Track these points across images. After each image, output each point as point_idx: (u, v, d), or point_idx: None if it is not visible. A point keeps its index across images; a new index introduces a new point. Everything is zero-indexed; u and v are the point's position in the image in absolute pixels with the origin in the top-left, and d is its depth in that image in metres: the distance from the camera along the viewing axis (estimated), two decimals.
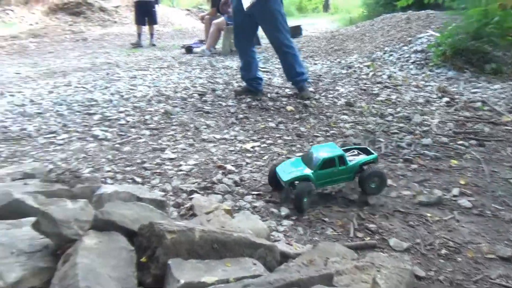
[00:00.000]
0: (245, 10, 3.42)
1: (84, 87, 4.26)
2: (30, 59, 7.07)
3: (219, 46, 7.06)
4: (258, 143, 2.60)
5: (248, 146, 2.56)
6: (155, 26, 9.09)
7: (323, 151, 1.87)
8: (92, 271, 0.91)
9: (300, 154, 2.34)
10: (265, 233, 1.42)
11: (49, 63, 6.48)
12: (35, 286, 1.06)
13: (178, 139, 2.71)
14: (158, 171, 2.20)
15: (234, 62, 5.64)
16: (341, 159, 1.83)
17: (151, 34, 8.92)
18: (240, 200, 1.85)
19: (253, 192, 1.93)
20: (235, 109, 3.36)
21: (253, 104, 3.50)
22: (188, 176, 2.14)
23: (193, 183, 2.03)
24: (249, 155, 2.42)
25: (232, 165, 2.24)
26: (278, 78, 4.44)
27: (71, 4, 13.57)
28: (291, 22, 15.83)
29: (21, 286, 1.03)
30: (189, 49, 7.18)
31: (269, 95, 3.77)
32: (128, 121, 3.07)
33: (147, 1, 8.51)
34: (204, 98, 3.71)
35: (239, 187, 1.99)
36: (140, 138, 2.73)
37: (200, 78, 4.63)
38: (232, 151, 2.49)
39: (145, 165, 2.27)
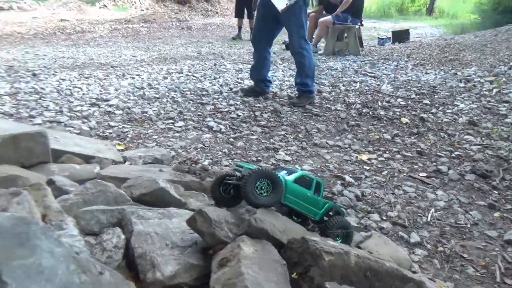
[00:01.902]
0: (280, 12, 3.28)
1: (194, 76, 4.43)
2: (143, 43, 7.59)
3: (320, 45, 6.93)
4: (374, 156, 2.46)
5: (364, 157, 2.43)
6: (253, 20, 9.19)
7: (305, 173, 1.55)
8: (259, 285, 0.89)
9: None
10: (407, 264, 1.31)
11: (159, 48, 6.89)
12: (186, 282, 1.08)
13: (290, 141, 2.67)
14: None
15: (338, 63, 5.48)
16: (318, 186, 1.49)
17: (251, 28, 9.04)
18: (365, 218, 1.75)
19: (378, 211, 1.81)
20: (345, 115, 3.24)
21: (363, 111, 3.34)
22: None
23: None
24: (366, 167, 2.30)
25: (351, 177, 2.14)
26: (387, 86, 4.20)
27: None
28: (391, 24, 15.01)
29: (174, 281, 1.05)
30: (289, 46, 7.14)
31: (379, 103, 3.58)
32: (239, 115, 3.11)
33: None
34: None
35: (361, 203, 1.88)
36: (253, 134, 2.75)
37: None
38: (347, 160, 2.39)
39: (261, 164, 2.26)
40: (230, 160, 2.29)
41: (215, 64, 5.17)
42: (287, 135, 2.76)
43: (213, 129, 2.81)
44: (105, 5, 19.81)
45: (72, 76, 4.25)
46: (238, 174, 1.38)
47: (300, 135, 2.77)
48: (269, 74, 3.77)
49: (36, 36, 8.33)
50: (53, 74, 4.37)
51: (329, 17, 6.50)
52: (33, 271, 0.70)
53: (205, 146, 2.50)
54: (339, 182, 2.09)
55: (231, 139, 2.63)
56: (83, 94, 3.58)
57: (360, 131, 2.92)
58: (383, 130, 2.93)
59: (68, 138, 2.04)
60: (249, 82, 4.11)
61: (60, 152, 1.80)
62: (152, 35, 9.07)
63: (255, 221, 1.10)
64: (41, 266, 0.72)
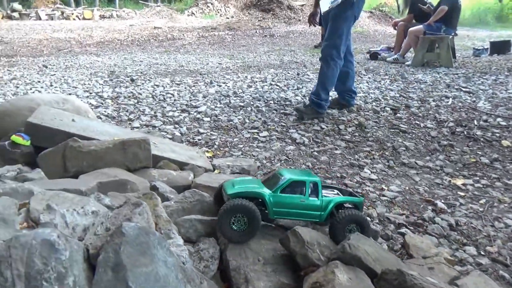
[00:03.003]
0: (322, 14, 3.16)
1: (278, 85, 4.50)
2: (228, 51, 7.89)
3: (408, 55, 6.62)
4: (470, 181, 2.28)
5: (458, 182, 2.27)
6: None
7: (292, 172, 1.39)
8: None
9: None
10: None
11: (243, 56, 7.11)
12: None
13: (375, 158, 2.59)
14: (359, 190, 2.13)
15: (428, 76, 5.19)
16: (315, 187, 1.33)
17: None
18: (460, 251, 1.63)
19: (475, 244, 1.68)
20: (435, 133, 3.05)
21: (457, 130, 3.12)
22: (393, 204, 2.00)
23: (400, 215, 1.89)
24: (461, 194, 2.14)
25: (443, 203, 2.01)
26: (485, 103, 3.88)
27: (264, 1, 14.67)
28: (487, 33, 13.85)
29: None
30: (374, 56, 6.94)
31: (475, 122, 3.31)
32: (322, 128, 3.09)
33: None
34: (398, 115, 3.48)
35: (455, 233, 1.76)
36: (336, 149, 2.71)
37: (391, 90, 4.39)
38: (439, 184, 2.25)
39: (345, 181, 2.23)
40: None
41: (298, 74, 5.20)
42: (373, 152, 2.68)
43: (297, 141, 2.82)
44: (193, 13, 21.01)
45: (165, 83, 4.57)
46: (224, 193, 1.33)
47: (386, 153, 2.67)
48: (354, 85, 3.67)
49: (133, 43, 9.08)
50: (148, 80, 4.74)
51: (420, 26, 6.19)
52: (151, 278, 0.77)
53: (289, 158, 2.52)
54: (429, 207, 1.97)
55: (315, 153, 2.62)
56: (175, 100, 3.83)
57: (453, 152, 2.73)
58: (480, 153, 2.71)
59: (165, 144, 2.20)
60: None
61: (159, 158, 1.95)
62: (237, 43, 9.39)
63: (349, 247, 1.09)
64: (157, 275, 0.78)
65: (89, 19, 20.33)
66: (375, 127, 3.15)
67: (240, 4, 18.87)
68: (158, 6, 22.07)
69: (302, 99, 3.94)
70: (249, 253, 1.16)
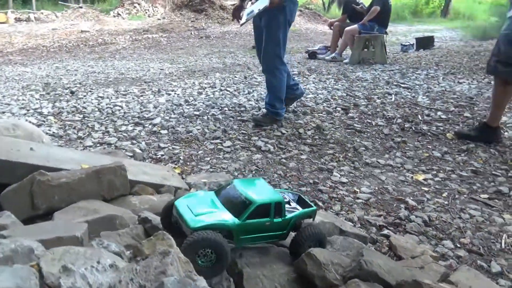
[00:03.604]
0: (243, 22, 3.18)
1: (228, 90, 4.47)
2: (166, 55, 7.67)
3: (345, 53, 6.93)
4: (429, 175, 2.46)
5: (420, 177, 2.43)
6: None
7: (254, 191, 1.29)
8: None
9: (215, 188, 1.83)
10: None
11: (184, 60, 6.95)
12: None
13: (340, 160, 2.68)
14: (334, 195, 2.19)
15: (367, 74, 5.47)
16: (278, 207, 1.26)
17: None
18: (439, 246, 1.74)
19: (449, 237, 1.81)
20: (388, 131, 3.23)
21: (405, 126, 3.33)
22: (368, 206, 2.09)
23: (378, 216, 1.98)
24: (425, 189, 2.29)
25: (412, 200, 2.14)
26: (423, 97, 4.19)
27: (196, 1, 14.45)
28: (406, 27, 14.90)
29: None
30: (313, 55, 7.17)
31: (419, 117, 3.56)
32: (283, 133, 3.13)
33: None
34: (350, 114, 3.64)
35: (430, 228, 1.88)
36: (302, 154, 2.76)
37: (338, 89, 4.57)
38: (404, 181, 2.39)
39: (319, 186, 2.27)
40: (288, 183, 2.31)
41: (245, 77, 5.21)
42: (336, 154, 2.77)
43: (262, 148, 2.83)
44: (119, 14, 20.12)
45: (109, 93, 4.32)
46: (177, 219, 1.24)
47: (349, 154, 2.78)
48: (294, 78, 3.66)
49: (61, 49, 8.48)
50: (89, 91, 4.45)
51: (355, 26, 6.50)
52: None
53: (259, 168, 2.52)
54: (402, 205, 2.09)
55: (283, 160, 2.64)
56: (125, 112, 3.64)
57: (407, 148, 2.91)
58: (430, 147, 2.92)
59: (134, 165, 2.08)
60: None
61: (133, 182, 1.83)
62: (173, 45, 9.16)
63: (365, 264, 1.11)
64: None
65: (3, 23, 18.58)
66: (332, 129, 3.26)
67: (169, 5, 18.43)
68: (80, 7, 20.80)
69: (256, 103, 3.95)
70: (265, 281, 1.14)
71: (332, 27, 7.24)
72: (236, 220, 1.21)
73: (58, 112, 3.64)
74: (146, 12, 20.64)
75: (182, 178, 2.30)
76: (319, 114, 3.65)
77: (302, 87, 3.71)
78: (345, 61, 6.56)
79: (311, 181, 2.35)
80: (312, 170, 2.52)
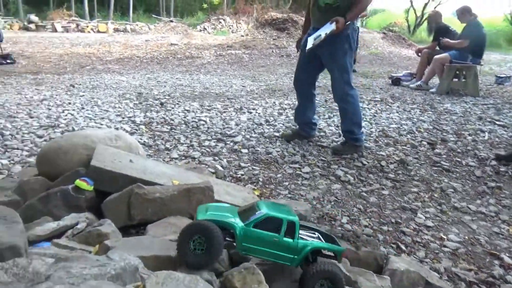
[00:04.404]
0: (306, 51, 3.11)
1: None
2: (248, 72, 7.91)
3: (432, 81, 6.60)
4: None
5: None
6: (357, 52, 9.10)
7: (271, 208, 1.28)
8: None
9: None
10: None
11: (265, 78, 7.11)
12: None
13: (425, 201, 2.53)
14: (418, 239, 2.06)
15: (457, 106, 5.15)
16: (291, 227, 1.22)
17: (354, 60, 8.93)
18: None
19: None
20: (480, 173, 2.99)
21: (501, 170, 3.06)
22: (457, 257, 1.94)
23: (468, 270, 1.82)
24: None
25: (508, 256, 1.94)
26: None
27: (279, 20, 14.78)
28: (501, 56, 13.85)
29: None
30: (397, 81, 6.93)
31: None
32: (364, 164, 3.04)
33: None
34: (437, 150, 3.43)
35: None
36: (383, 189, 2.66)
37: (423, 121, 4.35)
38: (498, 234, 2.18)
39: (402, 227, 2.16)
40: (368, 219, 2.23)
41: (325, 100, 5.18)
42: (421, 193, 2.62)
43: (341, 178, 2.77)
44: (205, 28, 21.25)
45: (195, 107, 4.55)
46: None
47: (435, 195, 2.61)
48: (315, 116, 3.58)
49: (153, 60, 9.14)
50: (177, 103, 4.73)
51: (446, 54, 6.17)
52: None
53: (338, 199, 2.47)
54: (496, 262, 1.90)
55: (363, 193, 2.56)
56: (208, 128, 3.80)
57: (503, 195, 2.66)
58: None
59: (219, 185, 2.15)
60: (365, 125, 4.03)
61: (217, 202, 1.90)
62: (255, 63, 9.43)
63: None
64: None
65: (103, 32, 20.63)
66: (417, 164, 3.10)
67: (253, 22, 19.05)
68: (171, 21, 22.35)
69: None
70: None
71: (420, 54, 6.94)
72: (241, 224, 1.23)
73: (149, 122, 3.91)
74: (230, 28, 21.59)
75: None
76: (403, 147, 3.49)
77: (315, 132, 3.60)
78: (431, 90, 6.24)
79: (393, 220, 2.25)
80: (394, 208, 2.41)
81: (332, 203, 2.41)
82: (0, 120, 3.75)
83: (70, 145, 2.05)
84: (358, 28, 3.13)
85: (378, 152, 3.30)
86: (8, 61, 7.69)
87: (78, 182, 1.70)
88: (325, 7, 3.02)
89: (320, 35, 2.98)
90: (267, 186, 2.61)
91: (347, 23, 2.93)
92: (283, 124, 4.00)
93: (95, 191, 1.78)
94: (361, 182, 2.74)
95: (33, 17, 21.24)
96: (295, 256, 1.24)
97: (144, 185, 1.73)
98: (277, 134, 3.67)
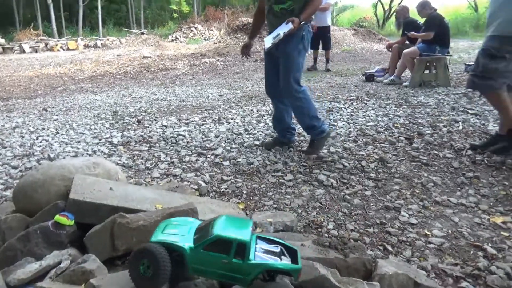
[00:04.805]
0: (265, 50, 3.20)
1: None
2: (223, 80, 7.90)
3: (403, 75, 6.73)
4: (509, 218, 2.28)
5: (497, 220, 2.26)
6: (329, 51, 9.22)
7: (227, 227, 1.27)
8: None
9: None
10: None
11: (241, 85, 7.12)
12: None
13: (408, 197, 2.57)
14: (403, 238, 2.10)
15: (430, 98, 5.27)
16: (241, 248, 1.20)
17: (327, 59, 9.06)
18: None
19: None
20: (457, 164, 3.06)
21: (477, 158, 3.14)
22: (442, 252, 1.98)
23: (454, 265, 1.86)
24: (505, 233, 2.13)
25: (491, 247, 1.99)
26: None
27: (250, 24, 14.83)
28: (468, 43, 14.15)
29: None
30: (370, 78, 7.04)
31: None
32: (345, 166, 3.08)
33: (322, 27, 8.68)
34: (414, 145, 3.50)
35: None
36: (366, 190, 2.69)
37: (399, 116, 4.43)
38: (480, 224, 2.24)
39: (387, 228, 2.20)
40: (353, 223, 2.25)
41: None
42: (403, 190, 2.66)
43: (324, 183, 2.79)
44: (177, 38, 21.15)
45: (172, 122, 4.52)
46: None
47: (416, 191, 2.66)
48: (293, 121, 3.54)
49: (126, 76, 9.04)
50: (154, 119, 4.68)
51: (415, 47, 6.31)
52: None
53: (322, 205, 2.48)
54: (480, 253, 1.95)
55: (347, 196, 2.59)
56: (188, 142, 3.78)
57: (481, 184, 2.73)
58: (507, 184, 2.72)
59: (202, 203, 2.14)
60: (343, 125, 4.08)
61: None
62: (230, 70, 9.43)
63: None
64: None
65: (73, 50, 20.27)
66: (397, 161, 3.15)
67: (224, 28, 19.06)
68: (142, 33, 22.15)
69: None
70: None
71: (390, 49, 7.08)
72: (191, 246, 1.23)
73: (127, 142, 3.86)
74: (202, 35, 21.54)
75: (247, 214, 2.33)
76: (381, 144, 3.55)
77: (295, 137, 3.62)
78: (404, 84, 6.37)
79: (378, 221, 2.28)
80: (378, 208, 2.44)
81: (317, 209, 2.43)
82: None
83: (47, 178, 2.01)
84: (311, 32, 3.19)
85: (358, 152, 3.34)
86: None
87: (57, 217, 1.66)
88: (280, 12, 3.07)
89: (278, 34, 3.01)
90: (251, 198, 2.60)
91: (302, 23, 2.99)
92: (262, 132, 4.01)
93: (77, 224, 1.74)
94: (343, 185, 2.77)
95: None
96: (245, 277, 1.22)
97: (127, 213, 1.71)
98: (257, 142, 3.68)
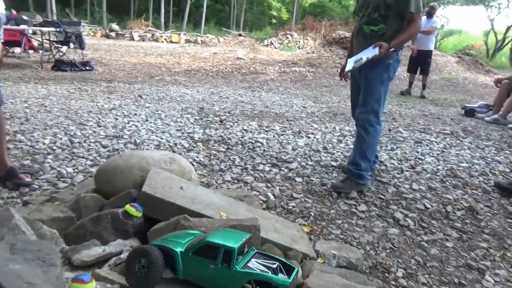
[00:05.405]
0: (345, 72, 3.07)
1: None
2: (310, 91, 7.80)
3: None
4: None
5: None
6: (427, 77, 8.65)
7: (220, 236, 1.34)
8: None
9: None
10: None
11: (327, 100, 6.96)
12: None
13: (496, 260, 2.24)
14: None
15: None
16: (228, 255, 1.24)
17: (423, 85, 8.52)
18: None
19: None
20: None
21: None
22: None
23: None
24: None
25: None
26: None
27: (347, 39, 14.51)
28: None
29: None
30: (470, 113, 6.44)
31: None
32: (427, 207, 2.80)
33: (424, 50, 8.15)
34: None
35: None
36: (447, 240, 2.41)
37: (499, 162, 3.95)
38: None
39: None
40: (427, 276, 2.02)
41: (389, 130, 4.92)
42: (491, 250, 2.33)
43: (400, 222, 2.56)
44: (272, 43, 21.53)
45: (253, 127, 4.54)
46: None
47: (508, 254, 2.31)
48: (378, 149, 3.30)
49: (218, 74, 9.37)
50: (236, 122, 4.75)
51: None
52: None
53: (394, 247, 2.27)
54: None
55: (423, 243, 2.34)
56: (264, 150, 3.75)
57: None
58: None
59: (267, 219, 2.08)
60: (430, 161, 3.75)
61: (262, 239, 1.82)
62: (318, 82, 9.30)
63: None
64: None
65: (175, 43, 21.70)
66: (489, 214, 2.79)
67: (320, 39, 18.94)
68: (240, 34, 22.93)
69: (399, 163, 3.66)
70: None
71: (499, 85, 6.40)
72: (182, 250, 1.31)
73: (206, 139, 3.96)
74: (296, 44, 21.68)
75: (310, 239, 2.22)
76: (473, 191, 3.18)
77: (376, 165, 3.33)
78: (510, 125, 5.70)
79: (456, 280, 2.01)
80: (459, 265, 2.16)
81: (388, 250, 2.23)
82: (72, 127, 4.01)
83: (127, 165, 2.10)
84: (401, 60, 2.92)
85: (444, 195, 3.03)
86: (87, 68, 8.30)
87: (127, 207, 1.71)
88: (370, 34, 2.83)
89: (361, 58, 2.80)
90: (318, 222, 2.48)
91: (391, 50, 2.73)
92: (341, 153, 3.84)
93: (144, 217, 1.79)
94: (422, 229, 2.52)
95: (114, 25, 22.94)
96: (233, 285, 1.25)
97: (192, 216, 1.71)
98: (334, 163, 3.53)
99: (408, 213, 2.69)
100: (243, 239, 1.34)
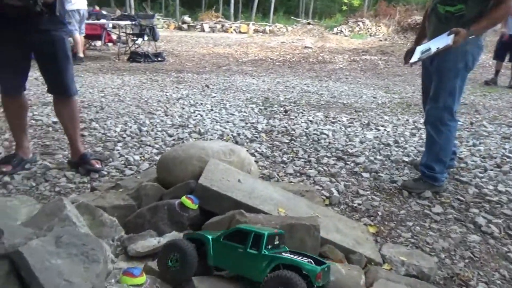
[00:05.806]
0: (409, 65, 2.65)
1: None
2: (382, 81, 7.37)
3: None
4: None
5: None
6: None
7: (257, 227, 1.35)
8: None
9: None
10: None
11: (400, 90, 6.52)
12: None
13: None
14: None
15: None
16: (257, 239, 1.24)
17: None
18: None
19: None
20: None
21: None
22: None
23: None
24: None
25: None
26: None
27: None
28: None
29: None
30: None
31: None
32: None
33: None
34: None
35: None
36: None
37: None
38: None
39: None
40: None
41: (471, 123, 4.45)
42: None
43: (482, 228, 2.27)
44: (341, 31, 20.81)
45: (319, 118, 4.37)
46: None
47: None
48: (455, 142, 2.94)
49: (285, 63, 9.24)
50: (301, 112, 4.61)
51: None
52: None
53: (475, 257, 2.01)
54: None
55: (510, 254, 2.04)
56: (329, 143, 3.58)
57: None
58: None
59: (329, 218, 1.94)
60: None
61: (323, 240, 1.69)
62: (391, 71, 8.76)
63: None
64: None
65: (244, 33, 21.87)
66: None
67: (394, 25, 17.87)
68: (309, 23, 22.47)
69: (482, 161, 3.27)
70: None
71: None
72: (212, 236, 1.33)
73: (270, 130, 3.88)
74: (368, 31, 20.71)
75: (376, 241, 2.04)
76: None
77: (455, 162, 2.97)
78: None
79: None
80: None
81: (467, 260, 1.97)
82: (142, 115, 4.16)
83: (187, 156, 2.08)
84: (483, 45, 2.45)
85: None
86: (159, 58, 8.64)
87: (184, 199, 1.68)
88: (445, 15, 2.41)
89: (429, 48, 2.39)
90: (386, 223, 2.28)
91: (470, 37, 2.29)
92: (414, 148, 3.54)
93: (200, 210, 1.75)
94: (509, 238, 2.20)
95: (186, 17, 23.75)
96: (259, 271, 1.23)
97: (248, 211, 1.64)
98: (406, 159, 3.25)
99: (492, 219, 2.38)
100: (274, 231, 1.35)
